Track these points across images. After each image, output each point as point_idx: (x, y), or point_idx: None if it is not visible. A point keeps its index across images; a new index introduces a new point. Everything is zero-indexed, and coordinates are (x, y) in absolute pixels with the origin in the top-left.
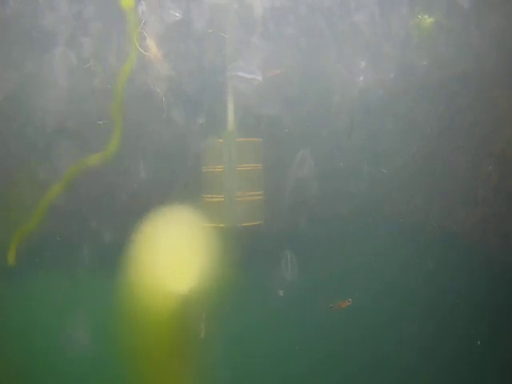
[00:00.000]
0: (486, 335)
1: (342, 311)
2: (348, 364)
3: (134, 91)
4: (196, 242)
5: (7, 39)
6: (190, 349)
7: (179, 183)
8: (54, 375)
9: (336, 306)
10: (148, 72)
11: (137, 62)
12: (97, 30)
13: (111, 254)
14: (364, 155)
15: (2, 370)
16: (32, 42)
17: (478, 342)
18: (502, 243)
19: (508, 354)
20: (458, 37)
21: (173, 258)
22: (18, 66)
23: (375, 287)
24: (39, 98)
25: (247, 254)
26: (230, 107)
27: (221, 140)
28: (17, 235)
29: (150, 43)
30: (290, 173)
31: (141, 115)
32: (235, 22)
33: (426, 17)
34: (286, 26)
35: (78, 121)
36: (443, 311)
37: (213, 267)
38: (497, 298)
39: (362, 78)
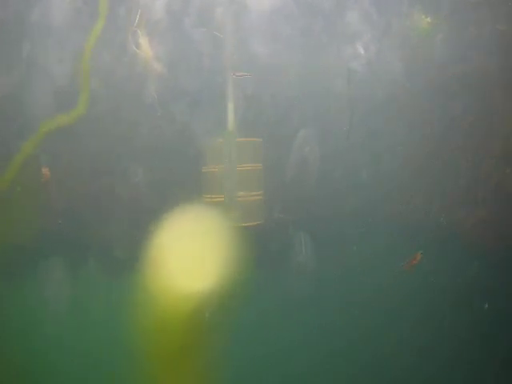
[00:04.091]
0: (486, 335)
1: (411, 270)
2: (348, 364)
3: (131, 90)
4: (195, 242)
5: None
6: (196, 348)
7: (179, 183)
8: (54, 375)
9: (407, 264)
10: (146, 70)
11: (133, 61)
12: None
13: (110, 254)
14: (364, 155)
15: (2, 370)
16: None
17: (486, 305)
18: (501, 243)
19: (508, 354)
20: (458, 37)
21: (172, 257)
22: None
23: (375, 287)
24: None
25: (247, 253)
26: (230, 106)
27: (221, 140)
28: None
29: (144, 41)
30: (290, 172)
31: (139, 115)
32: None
33: (424, 17)
34: (284, 27)
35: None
36: (443, 311)
37: (212, 267)
38: (497, 297)
39: (361, 78)
